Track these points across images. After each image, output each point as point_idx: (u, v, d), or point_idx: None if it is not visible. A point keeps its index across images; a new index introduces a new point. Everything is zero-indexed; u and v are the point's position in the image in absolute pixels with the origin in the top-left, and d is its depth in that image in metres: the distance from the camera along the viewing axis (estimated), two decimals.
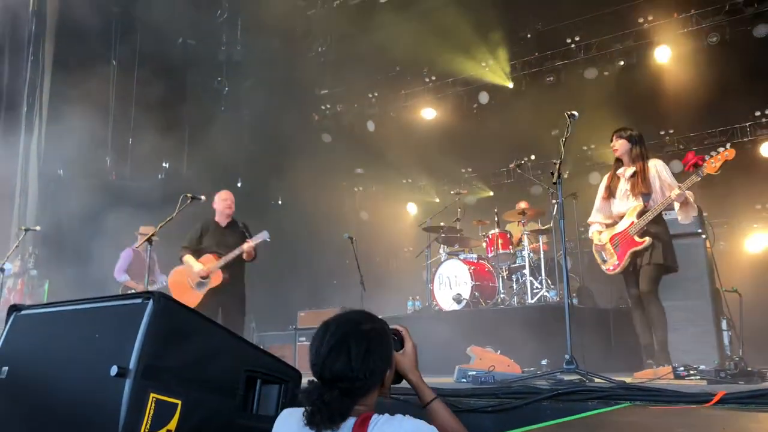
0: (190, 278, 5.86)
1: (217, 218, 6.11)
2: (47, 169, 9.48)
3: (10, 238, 8.75)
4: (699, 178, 4.48)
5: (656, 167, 4.81)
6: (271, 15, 10.13)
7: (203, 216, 6.25)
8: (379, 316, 2.03)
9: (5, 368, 2.53)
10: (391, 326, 2.04)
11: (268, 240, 5.87)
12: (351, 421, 1.72)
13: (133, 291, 7.17)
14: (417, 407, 2.06)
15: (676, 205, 4.67)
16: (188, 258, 5.91)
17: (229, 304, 5.89)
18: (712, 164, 4.46)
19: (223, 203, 6.09)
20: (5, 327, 2.70)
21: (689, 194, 4.59)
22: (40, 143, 9.58)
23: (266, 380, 2.50)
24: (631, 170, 4.86)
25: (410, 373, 2.05)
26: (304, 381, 2.08)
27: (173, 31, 10.43)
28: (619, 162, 5.00)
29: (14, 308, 2.73)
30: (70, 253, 8.47)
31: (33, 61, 9.71)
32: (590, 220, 5.16)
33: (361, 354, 1.76)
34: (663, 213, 4.79)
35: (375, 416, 1.73)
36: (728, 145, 4.53)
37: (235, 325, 5.63)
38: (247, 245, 5.74)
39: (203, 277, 5.80)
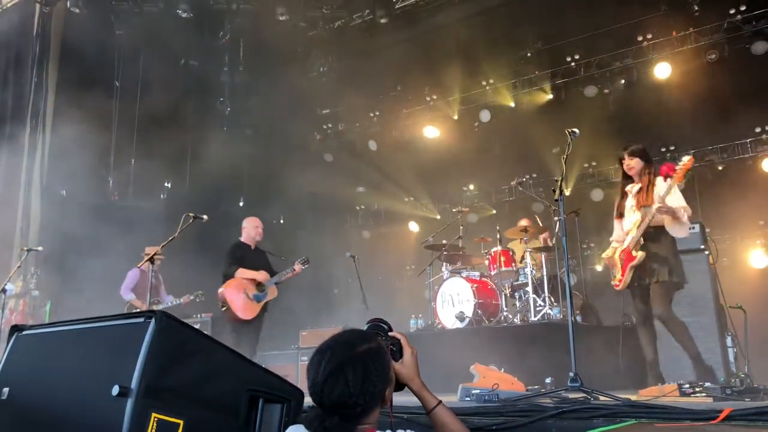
0: (248, 289, 6.38)
1: (245, 241, 6.70)
2: (50, 190, 9.52)
3: (12, 258, 8.76)
4: (670, 189, 4.60)
5: (660, 181, 4.82)
6: (272, 36, 10.22)
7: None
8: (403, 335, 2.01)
9: (6, 389, 2.51)
10: (389, 333, 2.04)
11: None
12: None
13: (138, 310, 7.16)
14: (422, 426, 2.04)
15: (667, 220, 4.66)
16: (242, 271, 6.42)
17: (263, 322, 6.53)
18: (679, 174, 4.59)
19: (254, 230, 6.72)
20: (6, 348, 2.69)
21: (679, 207, 4.61)
22: (42, 164, 9.64)
23: (268, 399, 2.48)
24: (638, 186, 4.88)
25: (411, 381, 2.03)
26: (307, 400, 2.07)
27: (176, 52, 10.53)
28: (627, 180, 5.02)
29: (16, 329, 2.72)
30: (72, 274, 8.47)
31: (36, 82, 9.79)
32: (611, 238, 5.17)
33: (359, 379, 1.74)
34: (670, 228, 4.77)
35: None
36: (686, 158, 4.68)
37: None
38: (298, 266, 6.51)
39: (260, 289, 6.39)
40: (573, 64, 9.71)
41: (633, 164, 4.93)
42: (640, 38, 9.14)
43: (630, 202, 4.92)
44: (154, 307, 7.07)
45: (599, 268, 9.45)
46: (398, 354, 2.02)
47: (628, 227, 4.88)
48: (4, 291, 6.01)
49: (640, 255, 4.65)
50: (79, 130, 8.89)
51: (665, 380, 4.63)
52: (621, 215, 5.00)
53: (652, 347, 4.80)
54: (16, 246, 9.00)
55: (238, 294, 6.36)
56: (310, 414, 1.80)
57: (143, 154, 10.11)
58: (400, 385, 2.01)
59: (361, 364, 1.77)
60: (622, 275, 4.78)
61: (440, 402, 2.04)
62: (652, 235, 4.72)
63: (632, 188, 4.95)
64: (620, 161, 5.03)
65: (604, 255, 5.08)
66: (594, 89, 9.52)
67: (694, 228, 5.75)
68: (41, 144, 9.66)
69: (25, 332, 2.70)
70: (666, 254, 4.71)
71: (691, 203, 8.63)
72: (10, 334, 2.70)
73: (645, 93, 9.14)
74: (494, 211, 10.70)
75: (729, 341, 5.43)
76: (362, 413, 1.76)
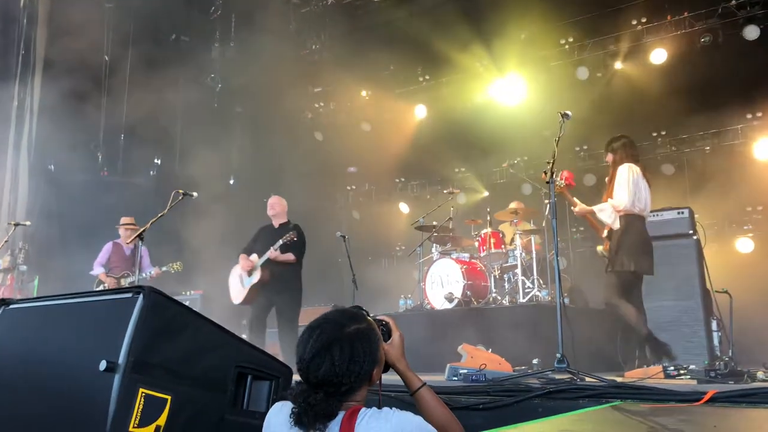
0: (241, 274, 6.44)
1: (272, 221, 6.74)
2: (38, 165, 9.42)
3: None
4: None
5: (617, 173, 5.08)
6: (264, 12, 10.10)
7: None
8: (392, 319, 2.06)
9: None
10: (378, 317, 2.07)
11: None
12: (340, 416, 1.74)
13: (104, 285, 7.10)
14: (410, 405, 2.05)
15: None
16: (241, 256, 6.49)
17: (280, 303, 6.37)
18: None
19: (268, 208, 6.76)
20: None
21: (588, 209, 5.11)
22: (30, 138, 9.52)
23: (257, 376, 2.49)
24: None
25: (398, 362, 2.07)
26: (296, 377, 2.08)
27: (166, 27, 10.39)
28: None
29: (3, 302, 2.71)
30: (60, 249, 8.42)
31: (24, 55, 9.64)
32: None
33: (345, 359, 1.76)
34: (638, 215, 5.01)
35: (363, 410, 1.75)
36: (565, 174, 4.97)
37: (283, 325, 6.28)
38: (270, 252, 6.24)
39: (250, 273, 6.35)
40: (566, 46, 9.68)
41: (608, 158, 5.30)
42: (634, 22, 9.11)
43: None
44: (123, 281, 7.06)
45: (588, 251, 9.50)
46: (387, 335, 2.07)
47: None
48: None
49: (599, 249, 5.20)
50: (68, 104, 8.78)
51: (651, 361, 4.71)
52: None
53: (642, 322, 4.98)
54: (3, 220, 8.91)
55: (234, 278, 6.55)
56: (296, 389, 1.81)
57: (133, 130, 10.02)
58: (386, 366, 2.05)
59: (348, 343, 1.79)
60: None
61: (424, 384, 2.08)
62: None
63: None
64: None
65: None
66: (586, 72, 9.49)
67: (683, 213, 5.79)
68: (29, 118, 9.53)
69: (12, 306, 2.68)
70: (623, 243, 4.97)
71: (680, 188, 8.71)
72: None
73: (637, 77, 9.13)
74: (486, 193, 10.69)
75: (714, 325, 5.50)
76: (348, 391, 1.79)
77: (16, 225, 6.65)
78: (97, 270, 7.39)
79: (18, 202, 9.21)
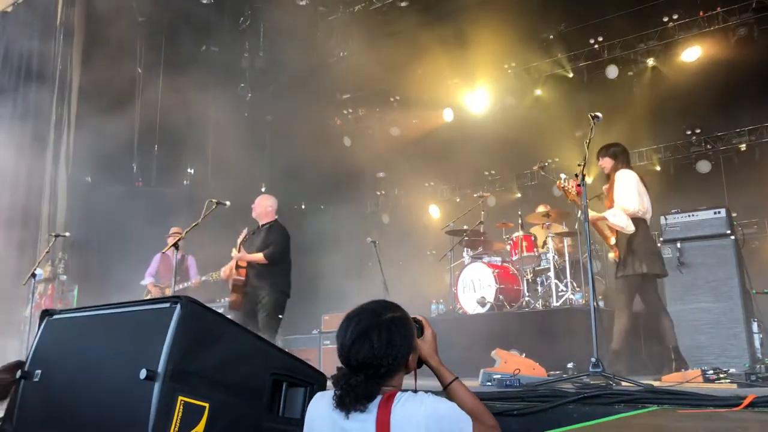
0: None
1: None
2: (75, 176, 9.67)
3: (40, 243, 8.94)
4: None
5: (617, 178, 5.08)
6: (292, 21, 10.21)
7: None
8: (424, 318, 2.12)
9: (39, 371, 2.58)
10: (411, 316, 2.14)
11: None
12: (378, 398, 1.85)
13: (150, 295, 7.25)
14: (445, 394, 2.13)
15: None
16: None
17: (259, 305, 5.96)
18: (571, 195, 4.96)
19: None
20: (38, 331, 2.76)
21: (598, 216, 5.03)
22: (68, 150, 9.79)
23: (292, 383, 2.52)
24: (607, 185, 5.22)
25: (430, 357, 2.15)
26: (330, 385, 2.12)
27: (197, 39, 10.57)
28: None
29: (46, 313, 2.79)
30: (98, 259, 8.62)
31: (61, 71, 9.92)
32: None
33: (383, 342, 1.89)
34: (642, 218, 5.02)
35: (399, 393, 1.87)
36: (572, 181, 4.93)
37: (261, 326, 5.81)
38: (236, 255, 5.96)
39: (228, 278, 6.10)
40: (596, 46, 9.57)
41: (604, 164, 5.24)
42: (665, 19, 8.97)
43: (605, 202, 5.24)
44: (167, 291, 7.19)
45: None
46: (420, 332, 2.16)
47: None
48: (33, 276, 6.12)
49: (611, 256, 5.22)
50: (103, 117, 8.99)
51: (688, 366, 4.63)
52: None
53: (670, 334, 4.93)
54: (43, 232, 9.17)
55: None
56: (337, 374, 1.93)
57: (166, 141, 10.21)
58: (419, 362, 2.14)
59: (385, 329, 1.91)
60: None
61: (456, 378, 2.17)
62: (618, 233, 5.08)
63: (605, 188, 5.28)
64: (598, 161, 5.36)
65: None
66: (618, 72, 9.37)
67: (719, 213, 5.67)
68: (66, 131, 9.80)
69: (55, 316, 2.76)
70: (624, 250, 4.99)
71: (716, 187, 8.53)
72: (41, 318, 2.77)
73: (670, 75, 8.98)
74: (519, 195, 10.61)
75: (755, 327, 5.36)
76: (386, 374, 1.90)
77: (56, 236, 6.82)
78: (147, 280, 7.62)
79: (57, 214, 9.47)
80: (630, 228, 4.92)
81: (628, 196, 4.94)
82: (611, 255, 5.38)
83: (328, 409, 1.91)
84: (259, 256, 5.95)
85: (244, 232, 6.20)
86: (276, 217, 6.27)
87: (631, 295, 4.97)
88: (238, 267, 5.97)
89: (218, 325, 2.34)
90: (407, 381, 2.06)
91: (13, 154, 9.24)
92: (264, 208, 6.24)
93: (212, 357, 2.25)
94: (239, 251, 6.01)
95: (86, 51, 10.04)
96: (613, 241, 5.13)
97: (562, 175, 5.11)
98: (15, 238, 9.04)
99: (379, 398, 1.85)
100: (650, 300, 5.07)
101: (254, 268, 5.98)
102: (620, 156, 5.21)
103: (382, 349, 1.88)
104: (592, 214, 4.99)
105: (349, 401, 1.84)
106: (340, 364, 1.96)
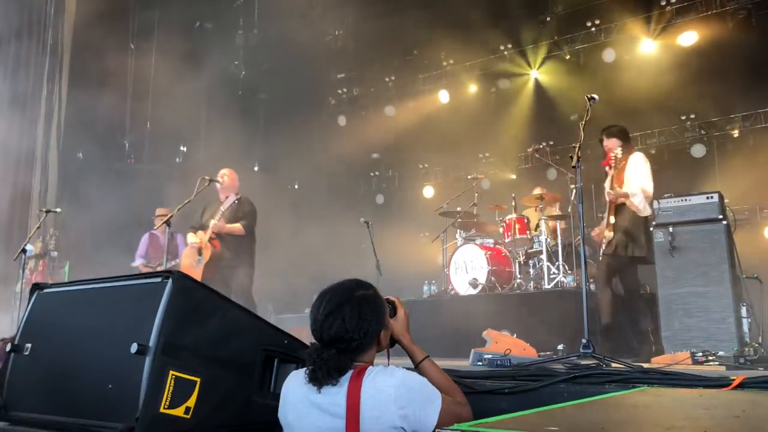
0: (192, 256, 6.01)
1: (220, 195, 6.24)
2: (67, 153, 9.59)
3: (31, 219, 8.90)
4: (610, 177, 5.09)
5: (633, 161, 5.12)
6: None
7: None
8: (398, 299, 2.14)
9: (29, 345, 2.57)
10: (385, 297, 2.18)
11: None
12: (350, 372, 1.90)
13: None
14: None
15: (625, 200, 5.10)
16: (189, 235, 6.13)
17: (234, 278, 5.94)
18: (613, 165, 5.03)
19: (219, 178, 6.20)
20: (28, 305, 2.74)
21: (626, 192, 5.05)
22: (59, 127, 9.71)
23: (283, 359, 2.52)
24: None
25: (402, 336, 2.20)
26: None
27: (190, 14, 10.45)
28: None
29: (37, 287, 2.77)
30: (89, 235, 8.58)
31: (51, 44, 9.79)
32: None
33: (355, 317, 1.93)
34: (648, 201, 5.11)
35: (371, 368, 1.92)
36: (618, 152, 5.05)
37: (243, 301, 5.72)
38: (213, 225, 5.88)
39: (199, 252, 5.96)
40: (593, 29, 9.52)
41: (610, 145, 5.22)
42: (663, 2, 8.92)
43: (607, 182, 5.22)
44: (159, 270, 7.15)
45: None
46: (392, 312, 2.20)
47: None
48: (24, 251, 6.09)
49: (607, 235, 5.10)
50: (95, 93, 8.91)
51: (663, 350, 4.73)
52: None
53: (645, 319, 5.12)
54: (34, 207, 9.12)
55: (188, 263, 6.04)
56: (310, 349, 1.97)
57: (158, 118, 10.13)
58: (392, 341, 2.18)
59: (357, 305, 1.96)
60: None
61: (427, 356, 2.21)
62: (619, 211, 5.12)
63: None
64: (600, 141, 5.36)
65: (593, 233, 5.46)
66: (614, 54, 9.33)
67: (712, 198, 5.68)
68: (57, 107, 9.70)
69: (45, 290, 2.74)
70: (627, 231, 5.04)
71: (709, 173, 8.54)
72: (32, 292, 2.75)
73: (665, 59, 8.95)
74: (514, 176, 10.60)
75: (744, 311, 5.40)
76: (358, 348, 1.94)
77: (47, 212, 6.78)
78: (138, 261, 7.58)
79: (48, 190, 9.41)
80: (647, 211, 4.97)
81: (646, 179, 5.02)
82: (596, 231, 5.48)
83: (300, 385, 1.95)
84: (237, 227, 5.92)
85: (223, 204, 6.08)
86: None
87: (613, 273, 5.16)
88: (210, 239, 5.88)
89: (210, 300, 2.33)
90: (381, 360, 2.09)
91: (3, 130, 9.15)
92: (233, 180, 6.24)
93: (204, 332, 2.25)
94: (219, 221, 5.92)
95: (78, 26, 9.92)
96: (612, 219, 5.14)
97: (619, 150, 5.08)
98: (5, 213, 8.98)
99: (350, 372, 1.89)
100: (631, 283, 5.24)
101: (227, 241, 5.94)
102: (627, 137, 5.24)
103: (353, 323, 1.91)
104: (617, 189, 5.05)
105: (321, 375, 1.88)
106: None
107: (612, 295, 5.06)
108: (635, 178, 5.07)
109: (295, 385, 2.01)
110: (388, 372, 1.88)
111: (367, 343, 1.97)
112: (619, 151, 5.05)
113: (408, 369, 1.98)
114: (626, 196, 5.09)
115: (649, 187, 5.06)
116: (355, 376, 1.88)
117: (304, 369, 1.96)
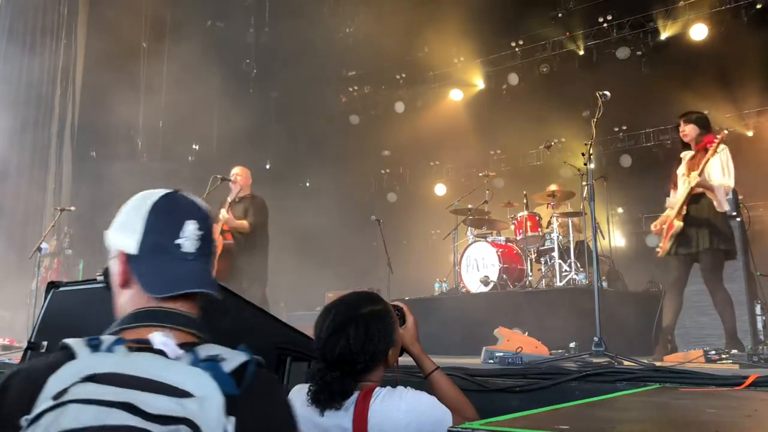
0: None
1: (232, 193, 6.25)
2: (80, 151, 9.67)
3: (46, 218, 8.99)
4: (707, 162, 4.56)
5: (723, 154, 4.70)
6: None
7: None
8: (406, 298, 2.08)
9: (45, 342, 2.60)
10: (391, 302, 2.08)
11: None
12: (355, 395, 1.77)
13: None
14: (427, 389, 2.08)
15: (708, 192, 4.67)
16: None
17: (245, 279, 5.93)
18: (713, 147, 4.52)
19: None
20: (44, 303, 2.77)
21: (714, 185, 4.59)
22: (73, 126, 9.78)
23: (297, 357, 2.52)
24: (691, 153, 4.84)
25: (412, 346, 2.08)
26: None
27: (202, 13, 10.49)
28: (685, 147, 4.97)
29: (52, 285, 2.80)
30: (104, 234, 8.65)
31: (65, 44, 9.87)
32: (665, 205, 5.10)
33: (361, 337, 1.80)
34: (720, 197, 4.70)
35: (378, 389, 1.78)
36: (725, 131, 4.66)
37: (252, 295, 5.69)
38: (222, 217, 5.84)
39: None
40: (605, 25, 9.46)
41: (688, 131, 4.90)
42: None
43: (682, 169, 4.88)
44: None
45: (628, 234, 9.36)
46: (401, 320, 2.08)
47: (679, 195, 4.81)
48: (39, 250, 6.16)
49: (677, 225, 4.64)
50: (108, 92, 8.97)
51: (677, 348, 4.64)
52: (675, 183, 4.95)
53: (672, 316, 4.78)
54: (49, 206, 9.21)
55: None
56: (313, 368, 1.87)
57: (171, 116, 10.19)
58: (401, 350, 2.06)
59: (363, 323, 1.83)
60: (664, 243, 4.77)
61: (438, 367, 2.09)
62: (696, 201, 4.69)
63: (686, 155, 4.90)
64: (677, 127, 5.01)
65: (652, 226, 5.01)
66: (627, 51, 9.27)
67: (727, 194, 5.63)
68: (71, 106, 9.79)
69: (61, 288, 2.77)
70: (708, 222, 4.64)
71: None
72: (47, 290, 2.78)
73: (679, 55, 8.88)
74: (524, 174, 10.55)
75: (758, 309, 5.36)
76: (363, 370, 1.82)
77: (62, 210, 6.85)
78: None
79: (63, 189, 9.50)
80: (726, 206, 4.69)
81: (729, 175, 4.66)
82: (678, 224, 4.74)
83: (303, 405, 1.80)
84: (243, 223, 5.93)
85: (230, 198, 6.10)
86: None
87: (716, 268, 4.73)
88: (223, 231, 5.85)
89: (223, 297, 2.34)
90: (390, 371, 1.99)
91: (18, 129, 9.24)
92: (247, 179, 6.24)
93: (217, 329, 2.26)
94: (228, 212, 5.91)
95: (91, 25, 9.99)
96: (684, 211, 4.76)
97: (726, 131, 4.80)
98: (20, 212, 9.08)
99: (356, 394, 1.77)
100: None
101: (240, 237, 5.93)
102: (707, 125, 4.90)
103: (358, 344, 1.79)
104: (702, 178, 4.60)
105: (323, 398, 1.76)
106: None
107: (682, 300, 4.77)
108: (723, 171, 4.67)
109: (297, 404, 1.86)
110: (397, 395, 1.76)
111: (374, 364, 1.85)
112: (721, 136, 4.62)
113: (415, 372, 1.90)
114: (711, 188, 4.66)
115: (731, 184, 4.70)
116: (361, 398, 1.76)
117: (309, 385, 1.83)
